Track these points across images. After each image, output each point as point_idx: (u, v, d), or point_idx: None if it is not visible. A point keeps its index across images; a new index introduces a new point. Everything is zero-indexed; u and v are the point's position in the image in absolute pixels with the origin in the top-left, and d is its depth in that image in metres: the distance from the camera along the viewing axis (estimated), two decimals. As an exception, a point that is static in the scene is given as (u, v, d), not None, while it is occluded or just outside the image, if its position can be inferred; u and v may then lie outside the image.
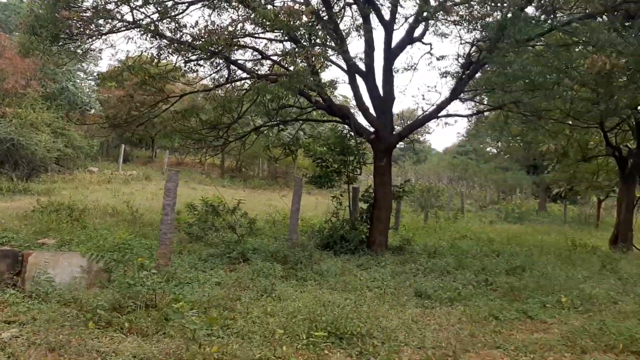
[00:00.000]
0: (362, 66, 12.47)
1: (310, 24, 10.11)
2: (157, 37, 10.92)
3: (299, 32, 10.23)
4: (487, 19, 10.39)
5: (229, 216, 11.53)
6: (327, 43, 11.52)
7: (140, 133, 24.65)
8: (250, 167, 38.86)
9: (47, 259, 6.77)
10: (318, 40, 10.72)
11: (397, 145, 14.35)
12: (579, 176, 22.90)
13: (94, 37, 10.42)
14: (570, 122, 15.68)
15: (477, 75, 12.75)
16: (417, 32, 12.57)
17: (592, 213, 27.74)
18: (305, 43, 10.63)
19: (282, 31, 10.14)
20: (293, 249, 10.47)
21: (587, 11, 10.83)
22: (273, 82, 10.94)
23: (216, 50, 10.97)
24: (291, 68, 11.41)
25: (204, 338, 5.01)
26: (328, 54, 11.29)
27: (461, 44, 11.65)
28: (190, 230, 11.59)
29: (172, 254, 8.19)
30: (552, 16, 11.30)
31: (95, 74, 39.23)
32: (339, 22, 12.26)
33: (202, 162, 37.02)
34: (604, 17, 10.97)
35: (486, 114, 20.57)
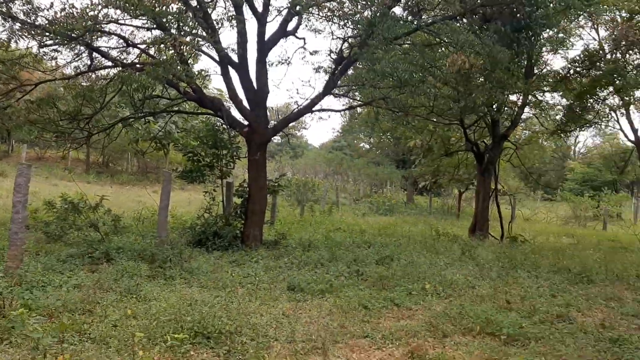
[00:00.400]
0: (235, 58, 12.21)
1: (178, 11, 9.65)
2: (9, 19, 9.86)
3: (167, 20, 9.74)
4: (358, 16, 10.58)
5: (91, 214, 10.73)
6: (198, 32, 11.14)
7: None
8: (118, 162, 36.91)
9: None
10: (187, 29, 10.29)
11: (274, 140, 14.30)
12: (442, 170, 24.40)
13: None
14: (435, 119, 16.60)
15: (350, 71, 13.04)
16: (291, 25, 12.55)
17: (454, 204, 29.72)
18: (174, 31, 10.15)
19: (148, 18, 9.59)
20: (161, 247, 9.99)
21: (449, 13, 11.45)
22: (139, 71, 10.32)
23: (75, 36, 10.12)
24: (160, 57, 10.85)
25: (53, 346, 4.55)
26: (199, 44, 10.87)
27: (333, 39, 11.80)
28: (48, 229, 10.65)
29: (23, 256, 7.42)
30: (417, 17, 11.84)
31: None
32: (210, 11, 11.89)
33: (64, 157, 34.46)
34: (464, 19, 11.69)
35: (359, 110, 21.24)
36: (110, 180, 29.97)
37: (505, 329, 5.98)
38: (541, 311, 7.12)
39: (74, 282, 7.45)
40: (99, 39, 11.14)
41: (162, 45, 10.05)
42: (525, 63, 15.54)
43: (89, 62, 11.88)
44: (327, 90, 12.11)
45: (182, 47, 9.98)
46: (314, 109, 12.51)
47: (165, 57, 10.64)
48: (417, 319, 6.59)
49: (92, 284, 7.41)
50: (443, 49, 11.91)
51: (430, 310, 7.01)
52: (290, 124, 67.07)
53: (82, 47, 11.40)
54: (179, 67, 10.43)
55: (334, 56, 11.90)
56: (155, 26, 10.90)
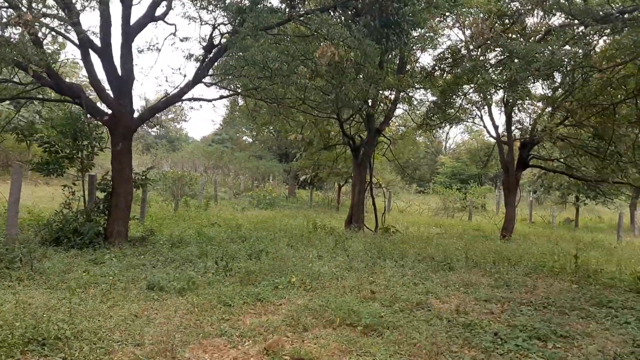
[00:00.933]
0: (98, 42, 11.35)
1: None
2: None
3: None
4: (228, 1, 10.23)
5: None
6: (56, 13, 10.22)
7: None
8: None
9: None
10: (39, 7, 9.36)
11: (152, 132, 13.51)
12: (322, 163, 24.67)
13: None
14: (313, 113, 16.67)
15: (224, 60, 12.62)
16: (160, 10, 11.91)
17: (334, 198, 30.24)
18: (24, 10, 9.19)
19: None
20: (10, 246, 9.04)
21: (322, 4, 11.43)
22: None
23: None
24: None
25: None
26: (54, 25, 9.95)
27: (202, 25, 11.32)
28: None
29: None
30: (292, 8, 11.70)
31: None
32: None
33: None
34: (337, 11, 11.73)
35: (241, 102, 20.79)
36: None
37: (364, 319, 5.99)
38: (402, 299, 7.27)
39: None
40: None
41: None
42: (398, 60, 16.07)
43: None
44: (198, 78, 11.62)
45: (32, 27, 9.05)
46: (184, 97, 11.96)
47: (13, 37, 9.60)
48: (279, 314, 6.43)
49: None
50: (316, 39, 11.87)
51: (295, 304, 6.88)
52: (171, 116, 64.45)
53: None
54: (30, 49, 9.50)
55: (204, 43, 11.43)
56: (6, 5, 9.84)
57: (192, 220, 17.26)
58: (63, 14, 10.44)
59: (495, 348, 5.51)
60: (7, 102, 12.30)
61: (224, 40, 10.94)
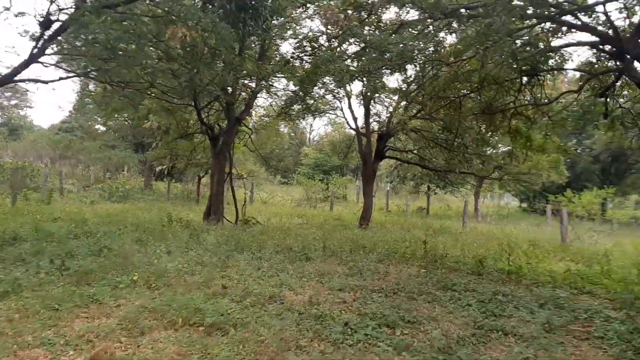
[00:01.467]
0: None
1: None
2: None
3: None
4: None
5: None
6: None
7: None
8: None
9: None
10: None
11: None
12: (180, 154, 23.60)
13: None
14: (170, 100, 15.74)
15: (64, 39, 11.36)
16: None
17: (194, 189, 29.21)
18: None
19: None
20: None
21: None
22: None
23: None
24: None
25: None
26: None
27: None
28: None
29: None
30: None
31: None
32: None
33: None
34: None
35: (92, 87, 19.12)
36: None
37: (209, 317, 5.57)
38: (254, 294, 6.95)
39: None
40: None
41: None
42: (259, 47, 15.65)
43: None
44: (33, 58, 10.34)
45: None
46: (16, 78, 10.59)
47: None
48: (115, 317, 5.78)
49: None
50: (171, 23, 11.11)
51: (135, 304, 6.26)
52: (14, 102, 58.44)
53: None
54: None
55: (40, 19, 10.17)
56: None
57: (32, 215, 15.58)
58: None
59: (345, 339, 5.39)
60: None
61: (63, 16, 9.81)
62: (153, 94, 13.90)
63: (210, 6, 10.21)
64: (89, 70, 10.75)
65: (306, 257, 10.16)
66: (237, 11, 10.68)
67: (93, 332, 5.19)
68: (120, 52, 9.06)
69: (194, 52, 10.81)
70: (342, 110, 20.26)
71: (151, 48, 9.87)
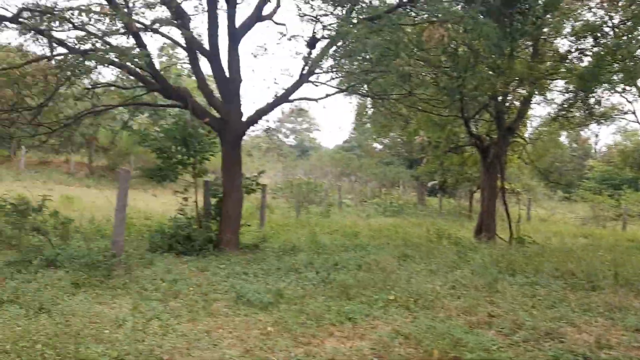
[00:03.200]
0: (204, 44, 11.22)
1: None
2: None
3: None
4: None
5: (36, 216, 9.77)
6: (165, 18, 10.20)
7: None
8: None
9: None
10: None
11: (286, 141, 13.26)
12: (450, 168, 23.02)
13: None
14: (435, 111, 15.35)
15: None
16: (268, 9, 11.49)
17: (467, 205, 28.31)
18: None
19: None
20: (113, 253, 8.99)
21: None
22: (84, 54, 9.34)
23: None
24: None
25: None
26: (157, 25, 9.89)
27: (301, 17, 10.68)
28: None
29: None
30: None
31: None
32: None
33: (68, 162, 33.94)
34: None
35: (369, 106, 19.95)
36: (111, 184, 29.22)
37: (469, 352, 4.78)
38: (526, 327, 5.88)
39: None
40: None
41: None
42: (531, 47, 14.19)
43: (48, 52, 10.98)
44: (303, 77, 11.00)
45: (133, 27, 9.01)
46: (290, 98, 11.41)
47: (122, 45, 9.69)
48: (368, 339, 5.40)
49: (6, 296, 6.42)
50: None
51: (390, 327, 5.81)
52: (305, 125, 65.68)
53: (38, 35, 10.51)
54: (137, 52, 9.49)
55: (306, 39, 10.79)
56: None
57: (311, 227, 16.76)
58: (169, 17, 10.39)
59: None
60: (122, 107, 12.59)
61: (327, 33, 10.18)
62: (418, 106, 13.60)
63: (471, 4, 9.42)
64: (352, 85, 10.97)
65: (592, 285, 8.48)
66: (502, 6, 9.68)
67: (345, 355, 4.87)
68: (377, 61, 8.91)
69: (456, 55, 10.12)
70: (634, 113, 17.30)
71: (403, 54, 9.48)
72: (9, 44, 11.00)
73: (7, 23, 9.38)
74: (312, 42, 10.69)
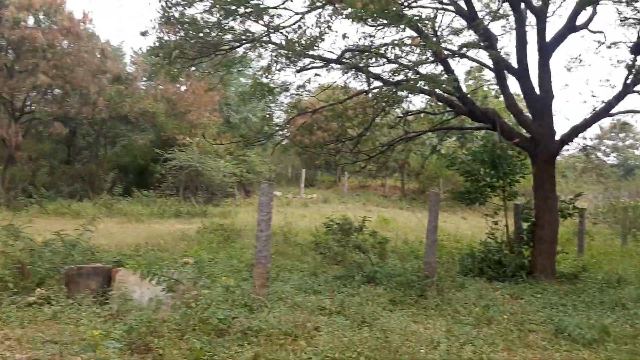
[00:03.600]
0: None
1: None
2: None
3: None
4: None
5: (359, 235, 10.70)
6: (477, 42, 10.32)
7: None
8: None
9: (133, 278, 6.68)
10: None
11: (607, 160, 12.22)
12: None
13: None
14: None
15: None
16: (581, 19, 10.58)
17: None
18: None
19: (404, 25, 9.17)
20: (425, 273, 9.27)
21: None
22: (396, 85, 9.98)
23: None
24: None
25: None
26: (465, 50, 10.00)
27: (621, 22, 9.41)
28: (323, 250, 11.04)
29: (269, 274, 7.62)
30: None
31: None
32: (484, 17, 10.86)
33: (383, 185, 36.72)
34: None
35: None
36: (421, 207, 30.49)
37: None
38: None
39: (318, 303, 7.29)
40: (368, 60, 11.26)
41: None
42: None
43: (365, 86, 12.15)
44: (628, 88, 9.70)
45: (442, 54, 9.29)
46: (611, 112, 10.19)
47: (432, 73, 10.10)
48: None
49: (334, 307, 7.15)
50: None
51: None
52: (629, 142, 58.12)
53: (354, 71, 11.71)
54: (445, 79, 9.76)
55: (630, 44, 9.49)
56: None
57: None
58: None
59: None
60: (431, 133, 13.04)
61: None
62: None
63: None
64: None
65: None
66: None
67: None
68: None
69: None
70: None
71: None
72: (335, 82, 12.59)
73: (333, 65, 10.62)
74: (637, 48, 9.38)
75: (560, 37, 10.60)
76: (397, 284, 8.54)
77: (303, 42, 10.34)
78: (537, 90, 10.67)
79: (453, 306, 7.70)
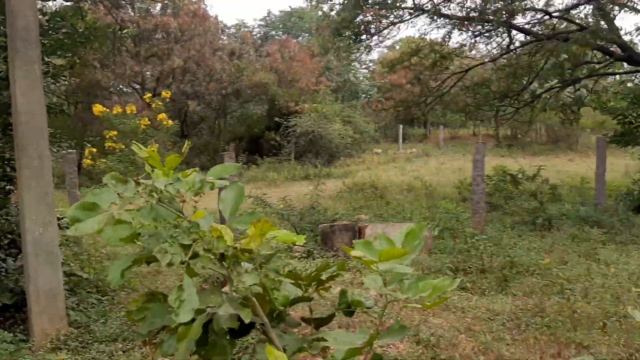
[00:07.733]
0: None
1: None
2: (442, 17, 11.42)
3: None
4: None
5: (528, 184, 11.43)
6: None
7: (417, 113, 25.62)
8: (527, 134, 37.09)
9: (381, 229, 7.77)
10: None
11: None
12: None
13: (387, 29, 11.43)
14: None
15: None
16: None
17: None
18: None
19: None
20: (604, 213, 9.98)
21: None
22: (565, 41, 10.44)
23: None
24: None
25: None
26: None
27: None
28: (490, 200, 11.82)
29: (484, 222, 8.59)
30: None
31: (367, 62, 41.49)
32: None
33: (475, 134, 36.72)
34: None
35: None
36: (521, 152, 30.43)
37: None
38: None
39: (529, 245, 8.21)
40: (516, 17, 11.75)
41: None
42: None
43: (507, 42, 12.66)
44: None
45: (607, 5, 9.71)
46: None
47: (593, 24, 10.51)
48: None
49: (549, 246, 8.05)
50: None
51: None
52: None
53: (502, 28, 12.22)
54: (606, 29, 10.19)
55: None
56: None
57: None
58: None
59: None
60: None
61: None
62: None
63: None
64: None
65: None
66: None
67: None
68: None
69: None
70: None
71: None
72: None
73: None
74: None
75: None
76: (587, 225, 9.29)
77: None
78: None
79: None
